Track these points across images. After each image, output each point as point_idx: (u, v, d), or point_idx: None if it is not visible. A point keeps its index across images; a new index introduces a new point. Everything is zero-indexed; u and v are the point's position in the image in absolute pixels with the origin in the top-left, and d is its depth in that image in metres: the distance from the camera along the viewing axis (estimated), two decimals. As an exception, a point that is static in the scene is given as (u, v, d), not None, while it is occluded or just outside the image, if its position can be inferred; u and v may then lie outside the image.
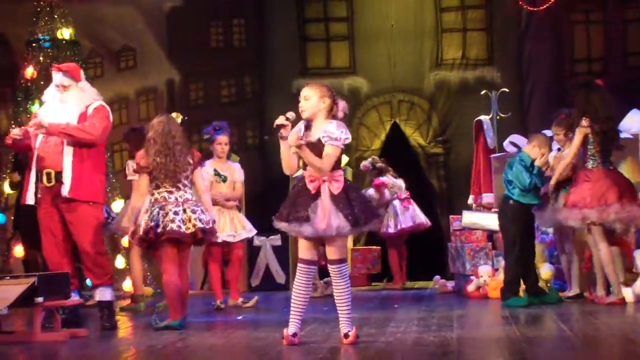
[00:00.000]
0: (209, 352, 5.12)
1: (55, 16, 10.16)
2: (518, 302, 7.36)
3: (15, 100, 10.33)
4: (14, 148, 6.96)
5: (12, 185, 9.38)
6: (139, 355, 5.23)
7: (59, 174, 6.43)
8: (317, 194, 5.16)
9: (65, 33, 10.20)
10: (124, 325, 6.96)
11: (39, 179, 6.49)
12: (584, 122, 7.32)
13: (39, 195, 6.49)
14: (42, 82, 10.07)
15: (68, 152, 6.45)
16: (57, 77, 6.64)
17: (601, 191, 7.19)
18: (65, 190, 6.41)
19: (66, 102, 6.57)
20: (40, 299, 5.87)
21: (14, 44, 11.26)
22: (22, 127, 6.65)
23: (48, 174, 6.45)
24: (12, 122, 10.21)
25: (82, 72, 6.78)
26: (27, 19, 10.37)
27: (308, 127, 5.29)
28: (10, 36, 11.44)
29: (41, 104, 9.96)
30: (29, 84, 10.11)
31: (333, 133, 5.20)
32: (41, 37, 10.12)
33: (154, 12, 11.87)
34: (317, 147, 5.21)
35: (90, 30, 11.45)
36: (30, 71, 10.11)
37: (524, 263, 7.54)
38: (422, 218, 10.25)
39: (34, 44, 10.15)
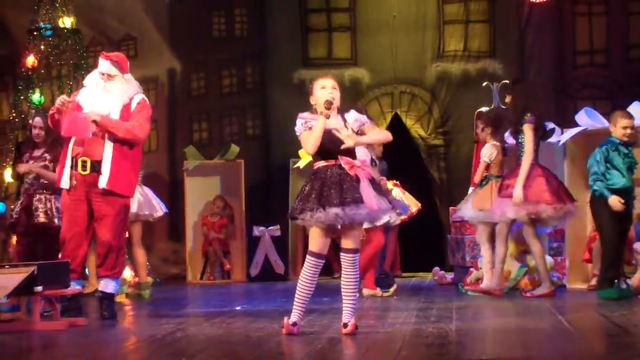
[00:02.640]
0: (208, 342, 5.13)
1: (57, 4, 10.14)
2: (607, 294, 6.95)
3: (16, 88, 10.33)
4: (54, 123, 6.55)
5: (16, 176, 9.21)
6: (138, 344, 5.24)
7: (95, 164, 6.35)
8: (358, 179, 5.14)
9: (66, 21, 10.18)
10: (123, 315, 6.98)
11: (73, 166, 6.39)
12: (528, 118, 7.32)
13: (74, 182, 6.41)
14: (42, 71, 10.08)
15: (109, 144, 6.36)
16: (105, 65, 6.48)
17: (545, 188, 7.27)
18: (103, 182, 6.34)
19: (109, 92, 6.45)
20: (39, 288, 5.88)
21: (15, 32, 11.25)
22: (71, 100, 6.37)
23: (84, 162, 6.36)
24: (13, 110, 10.22)
25: (128, 63, 6.65)
26: (28, 7, 10.36)
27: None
28: (11, 24, 11.43)
29: (42, 92, 10.13)
30: (30, 73, 10.10)
31: (363, 117, 5.30)
32: (42, 26, 10.10)
33: (156, 1, 11.84)
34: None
35: (92, 18, 11.43)
36: (31, 60, 10.09)
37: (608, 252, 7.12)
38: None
39: (35, 33, 10.14)
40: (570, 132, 8.28)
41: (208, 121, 11.92)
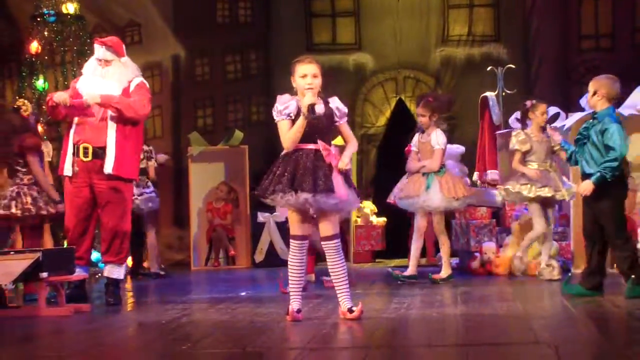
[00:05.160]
0: (213, 328, 5.15)
1: (60, -10, 10.13)
2: (574, 290, 6.28)
3: (20, 75, 10.33)
4: (52, 114, 6.62)
5: None
6: (143, 330, 5.25)
7: (97, 150, 6.35)
8: (331, 168, 5.20)
9: (70, 7, 10.17)
10: (129, 301, 7.00)
11: (75, 153, 6.40)
12: None
13: (76, 168, 6.41)
14: (46, 57, 10.07)
15: (112, 129, 6.37)
16: (100, 51, 6.51)
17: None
18: (109, 167, 6.34)
19: (107, 77, 6.46)
20: (44, 274, 5.90)
21: (19, 18, 11.23)
22: (66, 97, 6.33)
23: (85, 149, 6.37)
24: (17, 97, 10.21)
25: (124, 46, 6.66)
26: (32, -6, 10.35)
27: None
28: (15, 10, 11.41)
29: (45, 79, 10.12)
30: (33, 59, 10.10)
31: (344, 109, 5.35)
32: (46, 12, 10.09)
33: (160, -14, 11.82)
34: (322, 121, 5.26)
35: (95, 4, 11.41)
36: (35, 46, 10.09)
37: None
38: None
39: (38, 19, 10.13)
40: (575, 117, 8.25)
41: (212, 107, 11.92)
